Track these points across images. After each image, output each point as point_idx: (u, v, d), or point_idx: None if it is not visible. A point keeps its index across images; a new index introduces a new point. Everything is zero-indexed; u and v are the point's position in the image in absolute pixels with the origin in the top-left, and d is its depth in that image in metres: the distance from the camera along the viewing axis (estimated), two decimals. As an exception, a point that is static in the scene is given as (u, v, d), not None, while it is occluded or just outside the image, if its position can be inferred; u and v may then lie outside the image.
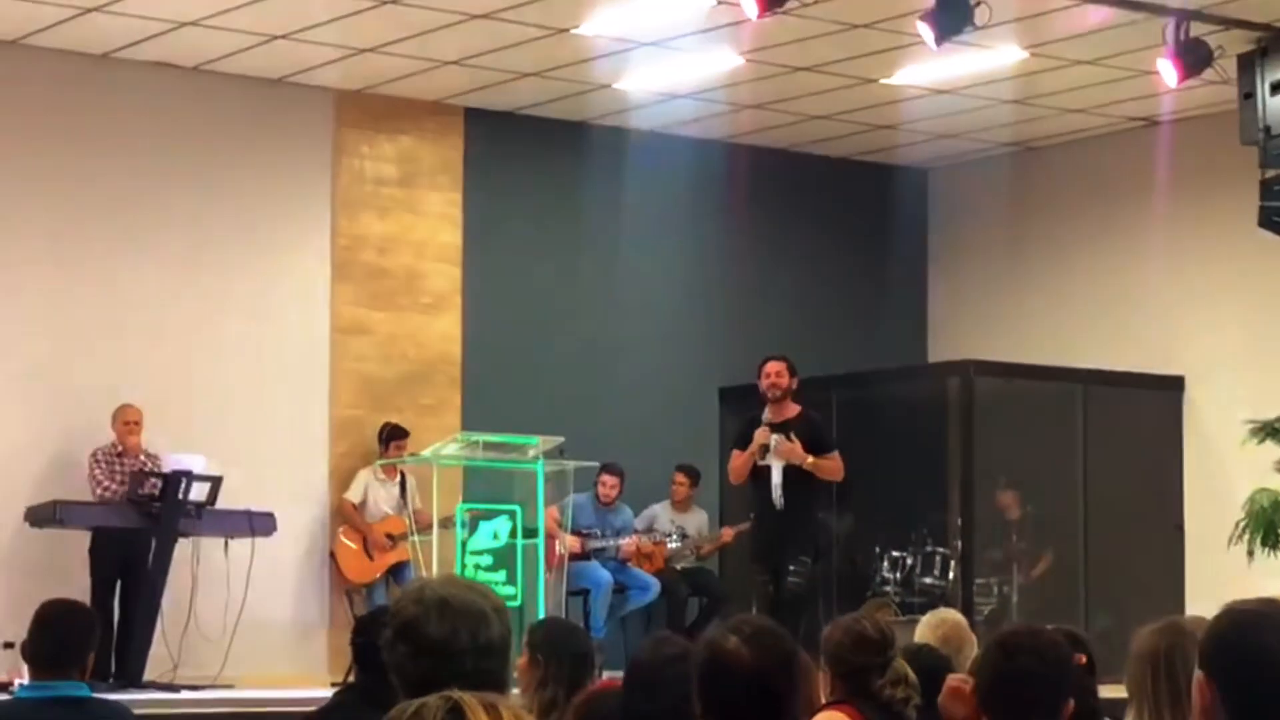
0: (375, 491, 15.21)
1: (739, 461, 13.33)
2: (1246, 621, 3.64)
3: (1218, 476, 15.71)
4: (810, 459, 13.04)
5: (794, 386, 13.42)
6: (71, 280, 14.55)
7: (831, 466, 13.47)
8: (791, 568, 13.43)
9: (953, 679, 5.51)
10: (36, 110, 14.58)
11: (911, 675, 6.23)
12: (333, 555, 15.31)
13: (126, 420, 13.92)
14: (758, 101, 16.15)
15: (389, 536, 14.99)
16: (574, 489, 14.62)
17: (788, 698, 4.61)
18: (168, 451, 13.69)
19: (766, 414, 13.18)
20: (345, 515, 15.23)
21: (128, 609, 13.12)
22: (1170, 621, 5.16)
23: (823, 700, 6.09)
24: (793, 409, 13.37)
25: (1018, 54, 14.66)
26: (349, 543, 15.14)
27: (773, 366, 13.42)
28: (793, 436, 13.01)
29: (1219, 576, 15.03)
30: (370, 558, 14.98)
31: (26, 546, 13.65)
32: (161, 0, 13.33)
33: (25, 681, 12.12)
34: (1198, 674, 3.61)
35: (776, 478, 13.04)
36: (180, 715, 9.46)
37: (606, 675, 8.04)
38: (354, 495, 15.25)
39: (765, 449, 12.97)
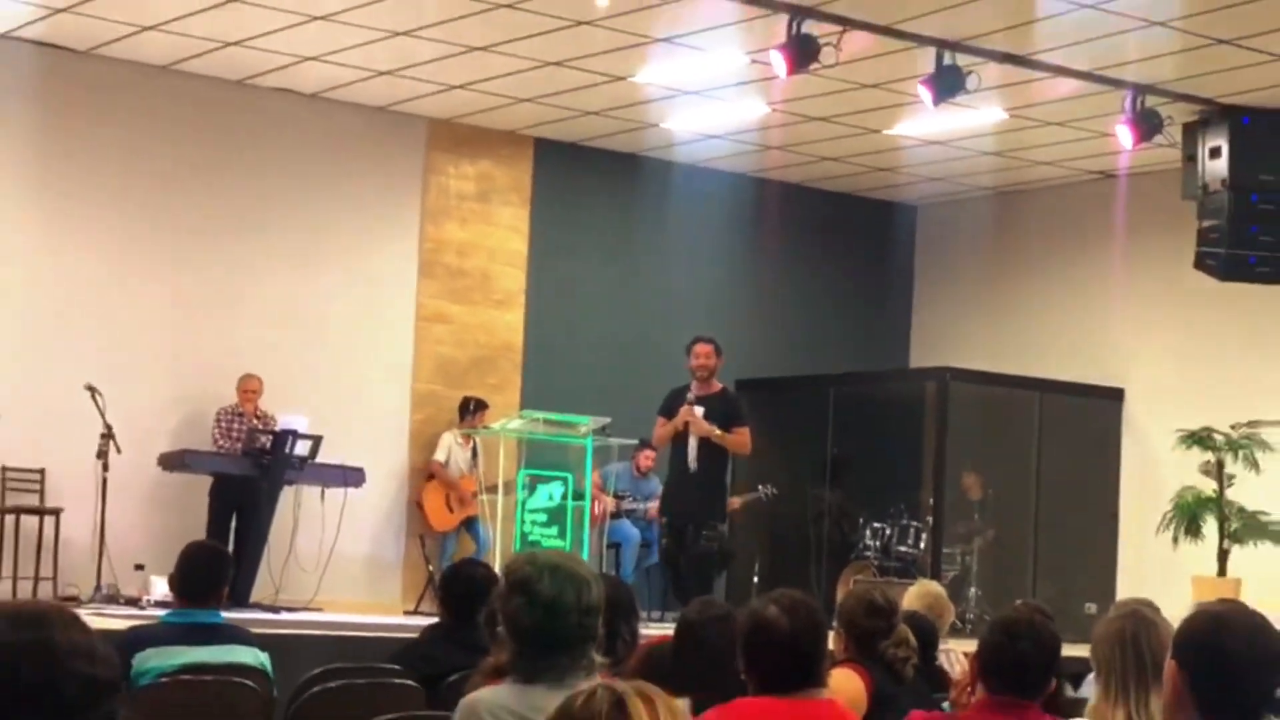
0: (455, 454, 15.18)
1: (663, 431, 12.92)
2: (1214, 624, 3.80)
3: (1149, 475, 15.74)
4: (718, 433, 12.65)
5: (719, 365, 12.95)
6: (206, 272, 14.52)
7: (739, 440, 13.01)
8: (705, 531, 13.07)
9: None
10: (182, 127, 14.62)
11: (912, 639, 6.24)
12: (419, 505, 15.29)
13: (246, 388, 14.00)
14: (780, 144, 16.15)
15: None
16: (615, 459, 14.67)
17: (818, 659, 4.70)
18: (279, 415, 13.72)
19: (694, 389, 12.75)
20: (435, 472, 15.19)
21: (239, 542, 13.14)
22: (1132, 609, 5.17)
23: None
24: (716, 386, 12.94)
25: (999, 114, 14.69)
26: (434, 496, 15.16)
27: (702, 348, 12.91)
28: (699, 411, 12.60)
29: (1146, 558, 15.20)
30: (450, 510, 14.99)
31: (160, 487, 13.71)
32: (290, 37, 13.34)
33: (153, 597, 12.31)
34: (1170, 663, 3.76)
35: (693, 444, 12.64)
36: (280, 634, 9.48)
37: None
38: (440, 456, 15.21)
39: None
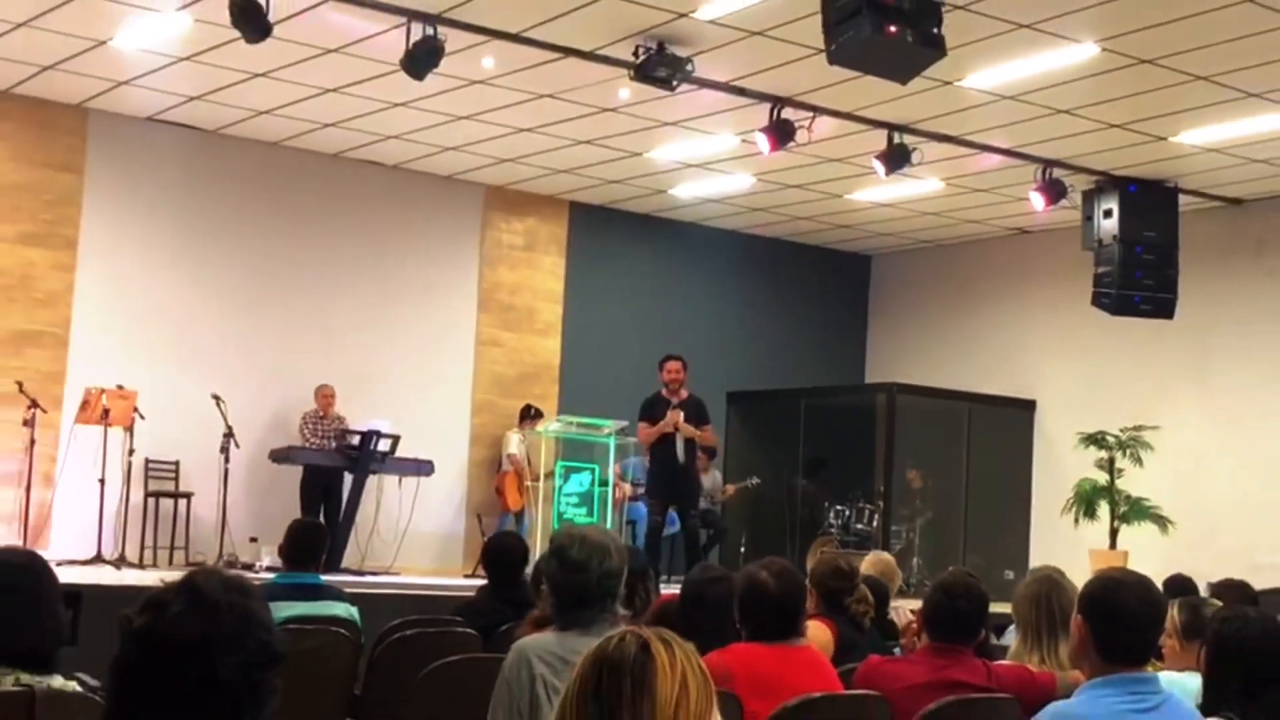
0: (519, 449, 15.19)
1: (651, 433, 12.56)
2: (1112, 586, 3.81)
3: (1055, 469, 15.75)
4: (698, 432, 12.63)
5: (686, 377, 12.70)
6: (306, 308, 14.61)
7: (709, 435, 13.08)
8: (692, 511, 13.13)
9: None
10: (288, 191, 14.70)
11: (869, 597, 6.29)
12: (499, 490, 15.30)
13: (325, 394, 13.99)
14: (763, 206, 16.21)
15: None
16: (632, 455, 14.68)
17: (799, 615, 4.72)
18: (365, 419, 13.71)
19: (669, 395, 12.56)
20: (514, 463, 15.14)
21: (327, 520, 13.09)
22: (1045, 575, 5.19)
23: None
24: (684, 393, 12.67)
25: (938, 184, 14.70)
26: (511, 483, 15.13)
27: (673, 365, 12.71)
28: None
29: (1052, 535, 15.17)
30: (521, 494, 14.96)
31: (264, 476, 13.70)
32: (376, 119, 13.41)
33: (264, 564, 12.30)
34: (1076, 617, 3.76)
35: (680, 442, 12.56)
36: (366, 592, 9.50)
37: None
38: (514, 450, 15.21)
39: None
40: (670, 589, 7.76)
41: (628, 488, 14.67)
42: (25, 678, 3.37)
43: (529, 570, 6.96)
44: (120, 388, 12.83)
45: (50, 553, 12.12)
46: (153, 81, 12.61)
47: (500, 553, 7.27)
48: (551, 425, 14.63)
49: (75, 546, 12.53)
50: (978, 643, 4.96)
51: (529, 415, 15.29)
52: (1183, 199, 13.98)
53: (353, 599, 7.06)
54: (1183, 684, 4.33)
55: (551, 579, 4.30)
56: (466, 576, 14.00)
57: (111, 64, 12.17)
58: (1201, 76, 11.12)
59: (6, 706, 3.24)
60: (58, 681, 3.37)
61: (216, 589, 2.37)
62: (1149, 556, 12.79)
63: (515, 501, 15.00)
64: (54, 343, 13.54)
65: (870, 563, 7.71)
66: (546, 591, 4.39)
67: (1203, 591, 7.41)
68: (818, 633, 5.60)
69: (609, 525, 13.83)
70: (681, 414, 12.48)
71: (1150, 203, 13.69)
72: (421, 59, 10.66)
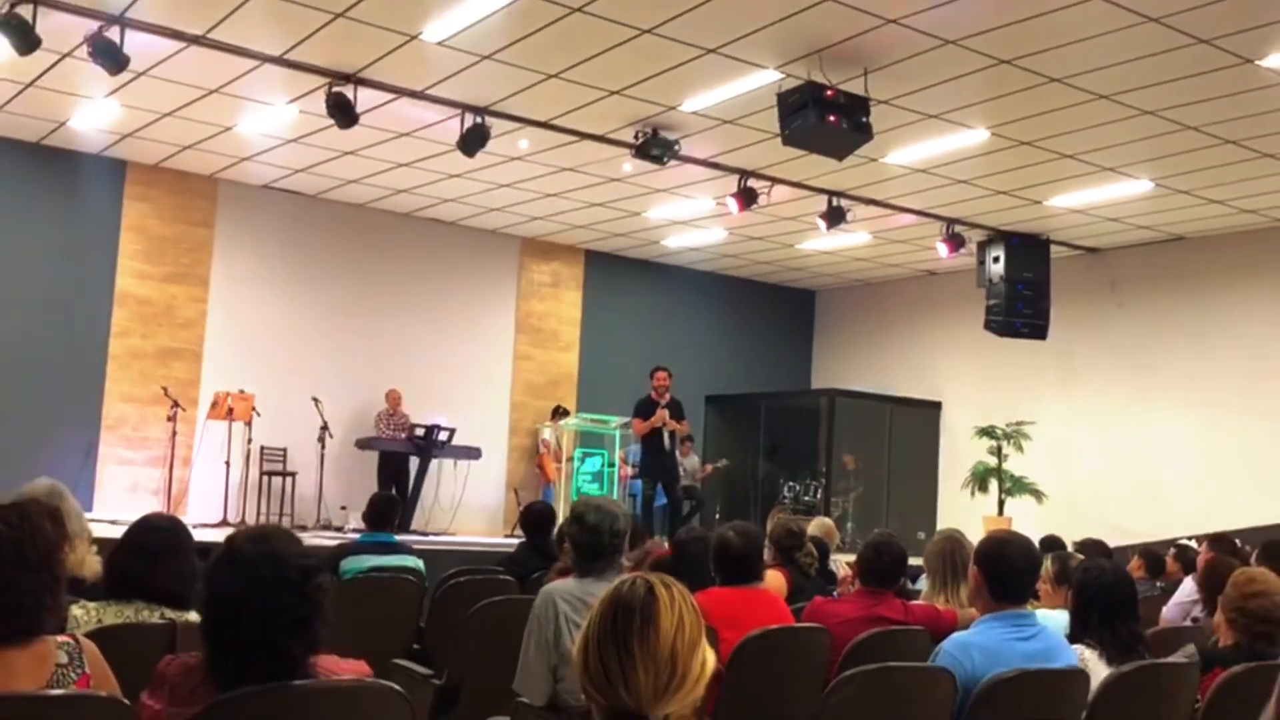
0: (551, 438, 15.16)
1: (646, 427, 12.27)
2: (999, 541, 3.80)
3: (956, 454, 15.70)
4: (678, 425, 12.45)
5: (671, 384, 12.51)
6: (381, 335, 14.62)
7: (685, 428, 12.89)
8: (679, 486, 13.07)
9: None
10: (369, 243, 14.71)
11: (815, 551, 6.27)
12: (540, 468, 15.23)
13: (393, 396, 13.95)
14: (733, 254, 16.22)
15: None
16: (633, 443, 14.68)
17: (758, 563, 4.70)
18: (426, 415, 13.71)
19: (660, 400, 12.31)
20: (549, 448, 15.13)
21: (399, 493, 13.05)
22: (949, 535, 5.20)
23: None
24: (668, 396, 12.38)
25: (866, 237, 14.68)
26: (548, 463, 15.07)
27: (662, 374, 12.45)
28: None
29: (954, 505, 15.15)
30: (554, 471, 14.93)
31: (347, 459, 13.64)
32: (437, 187, 13.43)
33: (351, 526, 12.26)
34: (973, 567, 3.75)
35: (667, 435, 12.36)
36: (430, 549, 9.48)
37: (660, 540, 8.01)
38: (547, 437, 15.20)
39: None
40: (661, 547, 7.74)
41: (629, 469, 14.70)
42: (169, 613, 3.38)
43: (555, 531, 6.96)
44: (242, 392, 12.87)
45: (187, 518, 12.15)
46: (268, 158, 12.63)
47: (534, 516, 7.28)
48: (572, 421, 14.67)
49: (207, 513, 12.64)
50: (898, 587, 4.95)
51: (558, 413, 15.30)
52: (1053, 248, 13.96)
53: (419, 553, 7.04)
54: (1054, 619, 4.33)
55: (573, 538, 4.29)
56: (506, 536, 13.99)
57: (236, 144, 12.18)
58: (1068, 155, 11.13)
59: (155, 635, 3.25)
60: (193, 615, 3.38)
61: (248, 546, 2.47)
62: (1028, 521, 12.79)
63: (553, 474, 14.93)
64: (191, 357, 13.54)
65: (815, 525, 7.70)
66: (568, 547, 4.37)
67: (1069, 548, 7.40)
68: (775, 579, 5.59)
69: (615, 497, 13.87)
70: (668, 412, 12.43)
71: (1028, 251, 13.69)
72: (472, 141, 10.68)
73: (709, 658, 1.98)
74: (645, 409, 12.49)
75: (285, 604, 2.37)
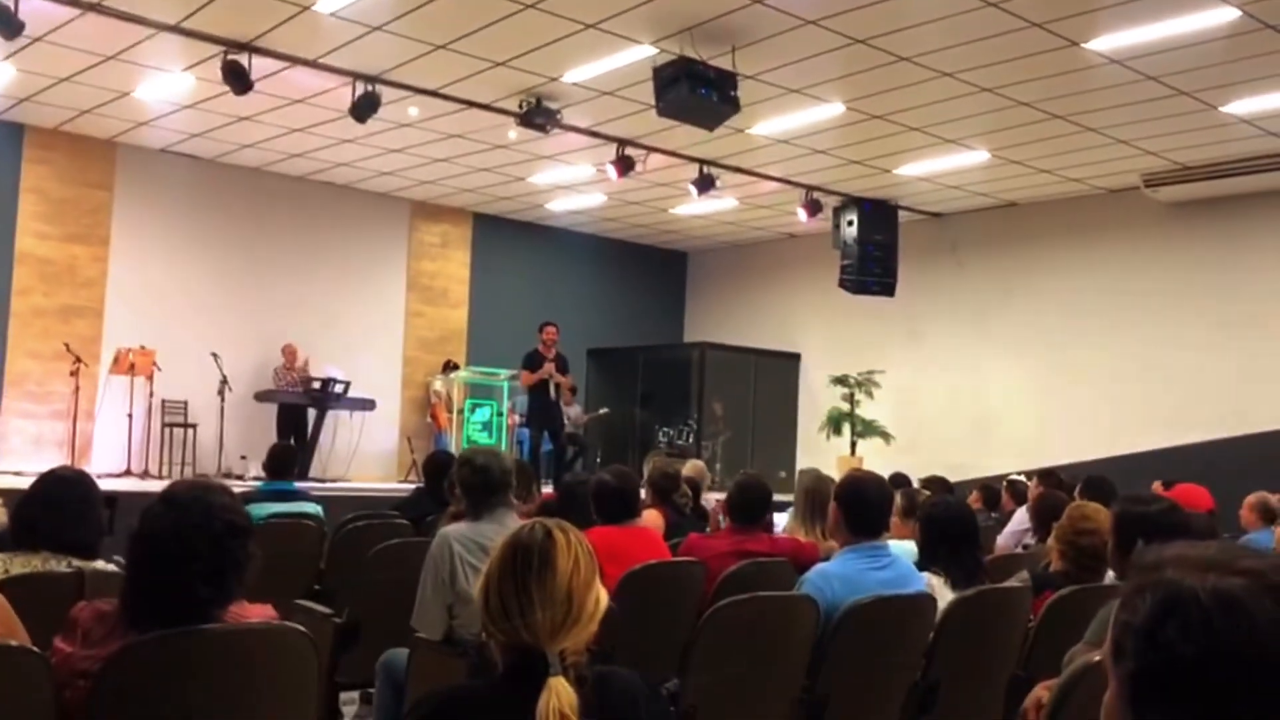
0: (441, 388, 14.92)
1: (534, 379, 12.11)
2: (856, 480, 3.86)
3: (814, 400, 15.90)
4: (563, 378, 12.38)
5: (558, 338, 12.47)
6: (277, 294, 14.20)
7: (570, 381, 12.78)
8: (564, 434, 13.04)
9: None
10: (264, 204, 14.28)
11: (688, 491, 6.31)
12: (433, 417, 14.97)
13: (289, 351, 13.61)
14: (612, 217, 16.15)
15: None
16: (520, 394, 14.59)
17: (635, 502, 4.72)
18: (322, 366, 13.45)
19: (548, 354, 12.13)
20: (439, 400, 14.89)
21: (297, 442, 12.77)
22: (812, 475, 5.27)
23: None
24: (554, 350, 12.25)
25: (734, 202, 14.76)
26: (440, 412, 14.84)
27: (551, 330, 12.28)
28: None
29: (812, 446, 15.37)
30: (444, 420, 14.68)
31: (246, 411, 13.22)
32: (332, 152, 13.09)
33: (251, 474, 12.01)
34: (833, 504, 3.79)
35: (553, 386, 12.25)
36: (328, 495, 9.32)
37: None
38: (438, 388, 14.96)
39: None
40: (547, 489, 7.74)
41: (517, 418, 14.64)
42: (76, 562, 3.27)
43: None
44: (143, 347, 12.46)
45: (92, 468, 11.75)
46: (165, 123, 12.16)
47: (433, 464, 7.18)
48: (462, 373, 14.51)
49: (111, 463, 12.26)
50: (764, 523, 5.01)
51: (448, 366, 15.12)
52: (901, 213, 14.15)
53: (318, 499, 6.92)
54: (905, 549, 4.44)
55: (463, 480, 4.22)
56: (400, 482, 13.85)
57: (134, 109, 11.71)
58: (915, 128, 11.31)
59: (63, 584, 3.13)
60: (100, 564, 3.27)
61: (183, 492, 2.43)
62: (878, 460, 13.09)
63: (445, 423, 14.76)
64: (92, 315, 13.04)
65: (689, 467, 7.73)
66: (460, 494, 4.31)
67: (916, 485, 7.57)
68: (653, 517, 5.61)
69: (503, 446, 13.80)
70: (554, 365, 12.40)
71: (878, 216, 13.84)
72: (364, 108, 10.43)
73: (602, 596, 1.98)
74: (533, 361, 12.36)
75: (204, 550, 2.31)
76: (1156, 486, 8.60)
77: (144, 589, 2.34)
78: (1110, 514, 3.14)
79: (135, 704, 2.28)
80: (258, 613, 2.50)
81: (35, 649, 2.30)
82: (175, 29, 9.31)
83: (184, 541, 2.31)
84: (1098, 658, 2.66)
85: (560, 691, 1.81)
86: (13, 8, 8.43)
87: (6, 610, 2.46)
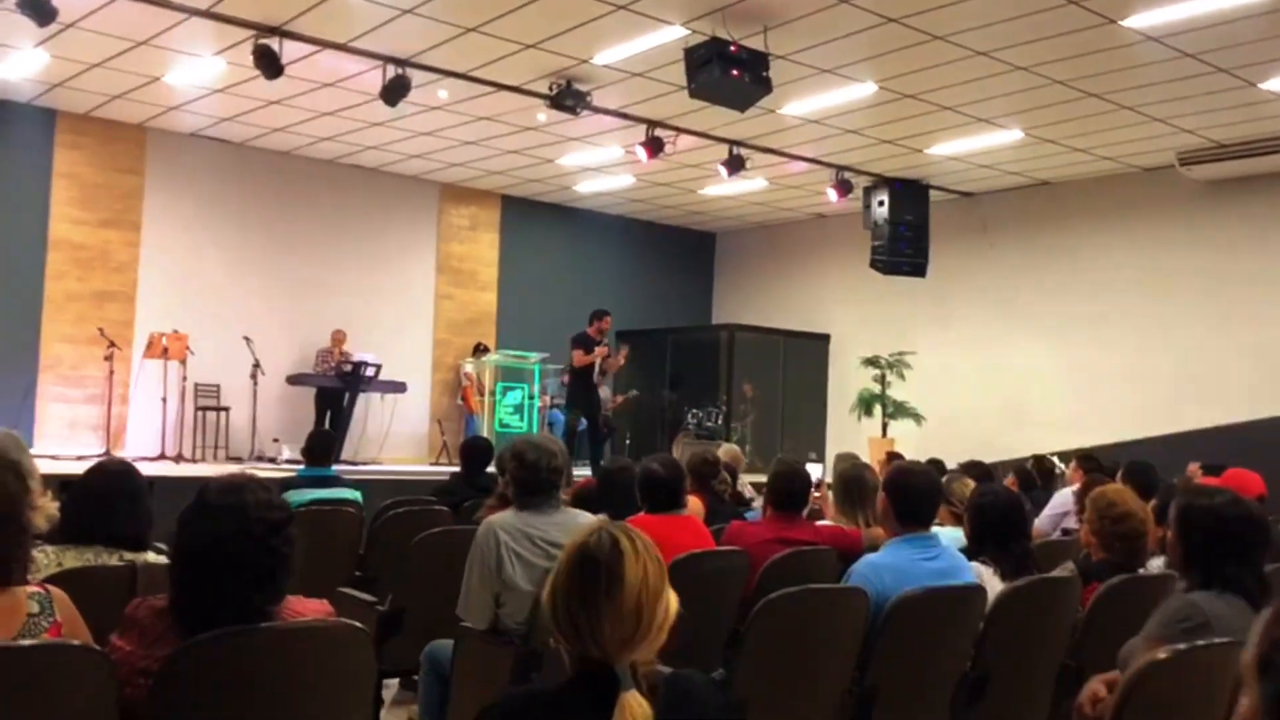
0: (473, 371, 14.94)
1: (586, 361, 12.00)
2: (903, 470, 3.84)
3: (844, 382, 15.85)
4: (619, 363, 12.55)
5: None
6: (308, 271, 14.22)
7: (617, 363, 12.88)
8: (604, 415, 12.98)
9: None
10: (295, 187, 14.31)
11: (728, 477, 6.28)
12: (464, 399, 14.99)
13: (337, 336, 13.73)
14: (642, 199, 16.12)
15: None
16: (552, 377, 14.60)
17: (681, 492, 4.68)
18: (357, 352, 13.50)
19: (599, 338, 12.13)
20: (471, 382, 14.90)
21: (333, 426, 12.91)
22: (851, 464, 5.24)
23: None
24: (603, 340, 12.42)
25: (763, 183, 14.68)
26: (470, 395, 14.87)
27: (608, 320, 12.35)
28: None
29: (843, 428, 15.36)
30: (476, 403, 14.73)
31: (285, 395, 13.38)
32: (361, 135, 13.08)
33: (284, 457, 12.05)
34: (881, 494, 3.77)
35: (598, 368, 12.25)
36: (364, 479, 9.34)
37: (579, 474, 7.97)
38: (469, 371, 14.98)
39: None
40: (580, 470, 7.73)
41: (548, 399, 14.63)
42: (127, 555, 3.27)
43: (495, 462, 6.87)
44: (176, 332, 12.51)
45: (126, 452, 11.88)
46: (196, 107, 12.18)
47: (473, 450, 7.19)
48: (494, 356, 14.53)
49: (145, 447, 12.35)
50: (807, 510, 4.98)
51: (479, 349, 15.13)
52: (932, 193, 14.10)
53: (355, 484, 6.93)
54: (952, 536, 4.40)
55: (513, 474, 4.19)
56: (432, 464, 13.93)
57: (164, 94, 11.73)
58: (947, 107, 11.20)
59: (116, 577, 3.14)
60: (150, 556, 3.27)
61: (216, 498, 2.37)
62: (909, 442, 13.08)
63: (476, 406, 14.78)
64: (125, 299, 13.12)
65: (724, 453, 7.71)
66: (508, 479, 4.29)
67: (950, 466, 7.50)
68: (694, 505, 5.58)
69: (534, 428, 13.81)
70: (608, 350, 12.33)
71: (910, 196, 13.80)
72: (394, 91, 10.41)
73: (672, 603, 1.93)
74: (586, 343, 12.23)
75: (249, 559, 2.28)
76: (1193, 469, 8.50)
77: (195, 600, 2.32)
78: (1173, 507, 3.09)
79: (196, 702, 2.27)
80: (314, 608, 2.48)
81: (97, 648, 2.30)
82: (207, 14, 9.30)
83: (226, 554, 2.28)
84: (1163, 655, 2.62)
85: (634, 708, 1.77)
86: (46, -5, 8.44)
87: (69, 608, 2.46)
